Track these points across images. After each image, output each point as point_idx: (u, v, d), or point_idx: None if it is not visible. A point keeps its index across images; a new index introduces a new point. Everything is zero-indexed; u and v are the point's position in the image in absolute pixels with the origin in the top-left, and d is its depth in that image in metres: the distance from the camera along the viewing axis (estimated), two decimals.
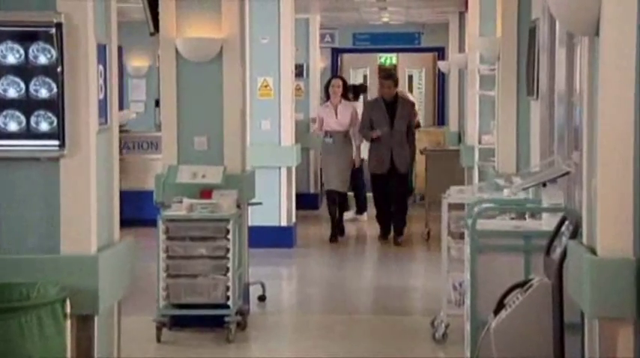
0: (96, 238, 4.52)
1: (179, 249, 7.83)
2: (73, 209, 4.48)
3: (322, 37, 17.79)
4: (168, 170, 8.12)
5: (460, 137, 15.96)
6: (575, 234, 4.99)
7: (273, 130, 12.18)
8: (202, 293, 7.74)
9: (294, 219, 12.55)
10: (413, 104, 13.01)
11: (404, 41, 19.43)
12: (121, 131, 13.93)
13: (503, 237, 5.98)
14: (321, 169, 14.13)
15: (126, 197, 13.37)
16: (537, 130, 8.16)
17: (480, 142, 11.61)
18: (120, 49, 17.79)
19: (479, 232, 5.97)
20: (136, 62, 17.94)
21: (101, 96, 4.67)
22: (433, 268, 9.84)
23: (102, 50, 4.68)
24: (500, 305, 5.33)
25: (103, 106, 4.69)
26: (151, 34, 8.41)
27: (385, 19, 17.70)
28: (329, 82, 13.08)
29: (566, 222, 5.31)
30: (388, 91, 12.30)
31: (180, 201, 7.87)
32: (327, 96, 13.09)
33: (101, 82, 4.65)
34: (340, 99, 12.86)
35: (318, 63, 16.64)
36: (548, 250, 5.36)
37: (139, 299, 8.59)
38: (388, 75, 12.90)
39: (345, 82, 13.28)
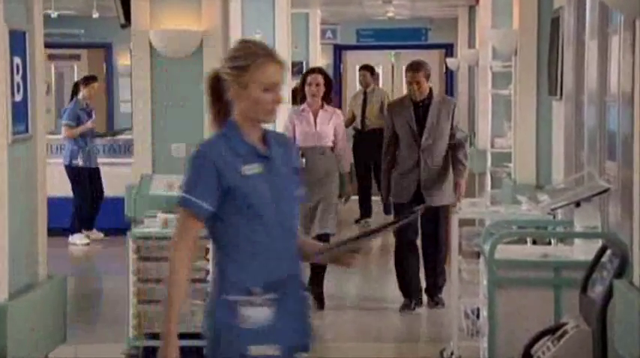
0: (7, 281, 3.52)
1: (152, 270, 7.05)
2: None
3: (323, 33, 17.31)
4: (140, 180, 7.42)
5: (470, 140, 15.23)
6: (622, 270, 4.04)
7: None
8: (180, 320, 6.78)
9: None
10: (454, 105, 8.65)
11: (410, 37, 18.97)
12: (110, 134, 13.44)
13: (528, 269, 5.03)
14: None
15: (118, 204, 12.62)
16: (561, 135, 7.61)
17: (492, 146, 11.19)
18: (109, 46, 17.14)
19: (498, 262, 5.00)
20: (126, 60, 17.05)
21: (18, 98, 3.67)
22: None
23: (18, 39, 3.69)
24: (526, 356, 4.37)
25: (20, 110, 3.68)
26: (122, 26, 7.56)
27: (390, 14, 17.31)
28: (304, 79, 8.92)
29: (608, 252, 4.37)
30: (417, 88, 8.36)
31: (154, 216, 7.14)
32: (302, 97, 8.93)
33: (18, 79, 3.65)
34: (322, 104, 8.75)
35: (318, 60, 16.17)
36: (585, 286, 4.47)
37: (111, 325, 7.80)
38: (416, 65, 8.61)
39: (328, 79, 8.92)
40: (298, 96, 9.09)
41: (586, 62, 6.85)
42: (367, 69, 13.94)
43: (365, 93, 13.64)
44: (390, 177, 8.47)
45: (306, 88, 8.63)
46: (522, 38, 8.42)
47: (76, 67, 17.84)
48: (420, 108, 8.30)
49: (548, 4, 8.18)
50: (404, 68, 20.77)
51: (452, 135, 8.21)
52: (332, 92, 8.82)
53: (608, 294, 4.14)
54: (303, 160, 8.62)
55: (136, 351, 7.03)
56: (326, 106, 8.73)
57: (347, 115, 13.71)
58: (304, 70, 15.80)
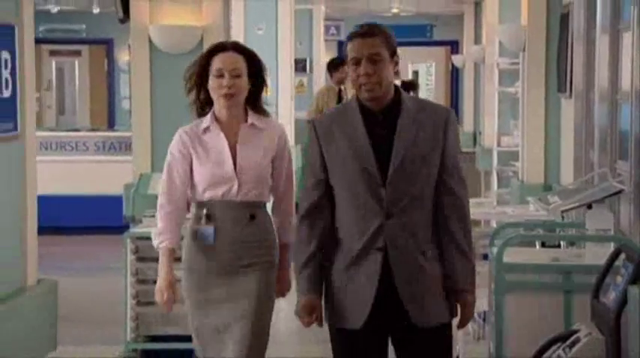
0: None
1: (151, 271, 6.81)
2: None
3: (327, 29, 17.38)
4: (139, 179, 7.39)
5: (475, 138, 15.36)
6: (637, 275, 3.90)
7: None
8: (178, 323, 6.78)
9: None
10: (448, 118, 3.87)
11: (415, 34, 18.88)
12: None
13: (538, 272, 4.86)
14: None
15: (117, 203, 12.50)
16: (571, 133, 7.40)
17: (498, 144, 11.02)
18: (110, 42, 17.03)
19: (506, 266, 4.84)
20: (128, 56, 16.91)
21: (6, 94, 3.50)
22: None
23: (7, 32, 3.52)
24: None
25: (8, 107, 3.52)
26: (121, 21, 7.43)
27: (395, 10, 17.11)
28: (206, 62, 4.35)
29: (622, 257, 4.22)
30: (372, 77, 3.80)
31: (153, 216, 6.87)
32: (199, 104, 4.41)
33: (6, 74, 3.49)
34: (245, 113, 4.36)
35: (322, 57, 15.94)
36: (597, 292, 4.31)
37: (109, 326, 7.66)
38: (370, 29, 3.86)
39: (255, 63, 4.34)
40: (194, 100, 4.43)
41: (596, 59, 6.65)
42: (345, 63, 13.18)
43: (340, 91, 13.10)
44: (319, 275, 3.90)
45: (212, 82, 4.29)
46: (531, 34, 8.21)
47: (77, 63, 17.76)
48: (380, 123, 3.86)
49: None
50: (409, 65, 20.81)
51: (443, 181, 3.83)
52: (265, 89, 4.41)
53: (623, 301, 3.97)
54: (212, 231, 4.29)
55: (133, 354, 6.91)
56: (254, 118, 4.34)
57: (310, 111, 12.35)
58: (307, 66, 15.82)
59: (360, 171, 3.80)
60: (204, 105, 4.35)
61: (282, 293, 4.46)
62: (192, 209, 4.36)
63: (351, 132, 3.83)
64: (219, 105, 4.28)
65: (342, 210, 3.85)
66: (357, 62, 3.81)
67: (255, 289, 4.29)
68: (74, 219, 12.43)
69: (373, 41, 3.82)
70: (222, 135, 4.26)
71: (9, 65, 3.59)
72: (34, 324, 3.75)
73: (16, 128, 3.69)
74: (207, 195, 4.28)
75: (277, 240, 4.40)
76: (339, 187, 3.85)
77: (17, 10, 3.69)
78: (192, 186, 4.30)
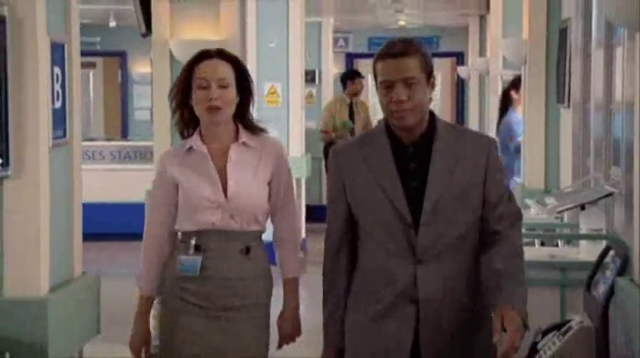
0: (47, 277, 3.76)
1: None
2: (19, 241, 3.74)
3: (335, 41, 17.30)
4: None
5: None
6: (624, 269, 4.25)
7: (282, 140, 11.36)
8: None
9: (303, 235, 11.78)
10: (492, 147, 3.44)
11: None
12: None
13: (536, 269, 5.20)
14: None
15: (134, 210, 12.79)
16: (569, 142, 7.62)
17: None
18: (124, 55, 17.28)
19: None
20: (141, 68, 17.28)
21: (57, 105, 3.92)
22: None
23: (58, 50, 3.94)
24: (532, 351, 4.58)
25: (59, 116, 3.94)
26: (143, 36, 7.77)
27: (402, 23, 17.15)
28: (188, 72, 3.76)
29: (611, 253, 4.58)
30: (400, 106, 3.29)
31: None
32: (182, 124, 3.80)
33: (57, 87, 3.90)
34: (236, 129, 3.79)
35: (331, 68, 16.03)
36: (589, 285, 4.65)
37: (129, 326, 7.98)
38: (405, 45, 3.30)
39: (242, 72, 3.79)
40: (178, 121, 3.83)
41: (592, 71, 6.87)
42: (360, 76, 13.28)
43: (351, 103, 13.08)
44: (341, 324, 3.51)
45: (195, 95, 3.71)
46: (532, 48, 8.35)
47: (91, 75, 17.98)
48: (411, 154, 3.39)
49: (556, 14, 8.17)
50: None
51: (485, 222, 3.38)
52: (253, 101, 3.80)
53: (611, 292, 4.31)
54: (196, 260, 3.74)
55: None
56: (245, 136, 3.80)
57: (324, 122, 13.02)
58: (316, 78, 16.08)
59: (387, 210, 3.29)
60: (188, 125, 3.73)
61: (292, 337, 3.88)
62: (180, 238, 3.76)
63: (378, 164, 3.33)
64: (204, 122, 3.67)
65: (366, 250, 3.38)
66: (388, 86, 3.27)
67: (253, 330, 3.74)
68: (92, 226, 12.65)
69: (408, 63, 3.27)
70: (207, 155, 3.68)
71: (59, 79, 3.99)
72: (81, 310, 4.14)
73: (65, 135, 4.11)
74: (195, 224, 3.67)
75: (282, 276, 3.82)
76: (363, 225, 3.36)
77: (67, 28, 4.10)
78: (178, 214, 3.70)
